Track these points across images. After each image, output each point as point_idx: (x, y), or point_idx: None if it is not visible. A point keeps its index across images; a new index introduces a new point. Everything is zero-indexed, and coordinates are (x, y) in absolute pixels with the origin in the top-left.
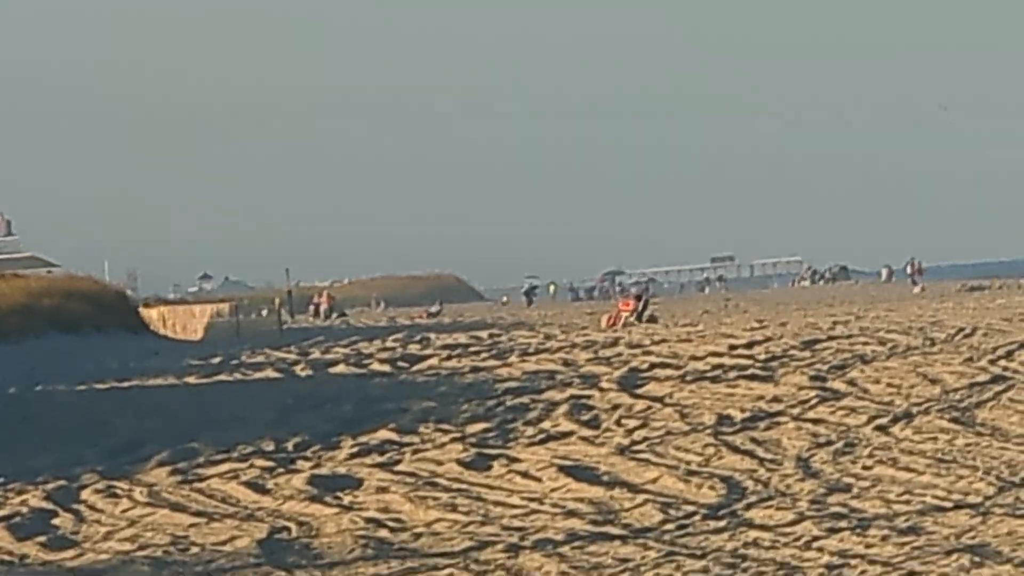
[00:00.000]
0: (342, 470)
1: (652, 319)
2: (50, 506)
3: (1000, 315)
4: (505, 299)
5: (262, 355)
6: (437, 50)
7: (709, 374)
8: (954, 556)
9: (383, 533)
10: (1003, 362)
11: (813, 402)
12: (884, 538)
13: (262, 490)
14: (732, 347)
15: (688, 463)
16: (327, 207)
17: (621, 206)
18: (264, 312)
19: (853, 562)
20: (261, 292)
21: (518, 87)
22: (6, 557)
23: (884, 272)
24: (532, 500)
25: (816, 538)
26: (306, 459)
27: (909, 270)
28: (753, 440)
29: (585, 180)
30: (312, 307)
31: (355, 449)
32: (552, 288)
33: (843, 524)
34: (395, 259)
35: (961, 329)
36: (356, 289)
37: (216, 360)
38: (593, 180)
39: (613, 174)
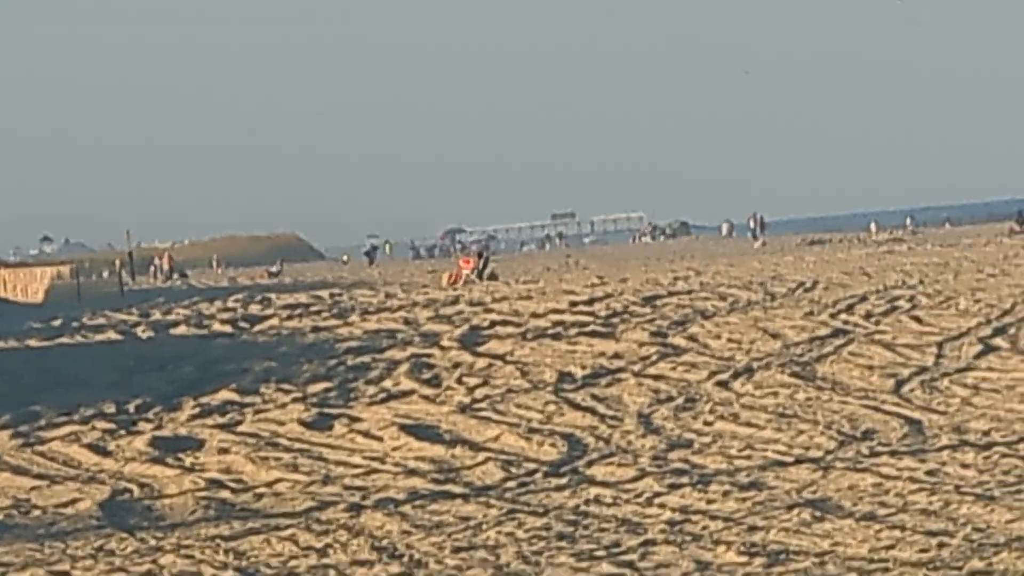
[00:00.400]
0: (183, 431)
1: (493, 276)
2: None
3: (840, 269)
4: (346, 258)
5: (103, 317)
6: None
7: (550, 331)
8: (795, 511)
9: (225, 494)
10: (843, 316)
11: (654, 358)
12: (725, 493)
13: (103, 452)
14: (573, 304)
15: (529, 421)
16: (168, 168)
17: (461, 164)
18: (105, 274)
19: (695, 518)
20: (102, 254)
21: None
22: None
23: (725, 227)
24: (374, 459)
25: (658, 494)
26: (147, 421)
27: (751, 224)
28: (594, 397)
29: (423, 140)
30: (153, 268)
31: (196, 410)
32: (388, 247)
33: (684, 480)
34: (236, 219)
35: (801, 283)
36: (197, 250)
37: (57, 322)
38: (432, 140)
39: (452, 134)
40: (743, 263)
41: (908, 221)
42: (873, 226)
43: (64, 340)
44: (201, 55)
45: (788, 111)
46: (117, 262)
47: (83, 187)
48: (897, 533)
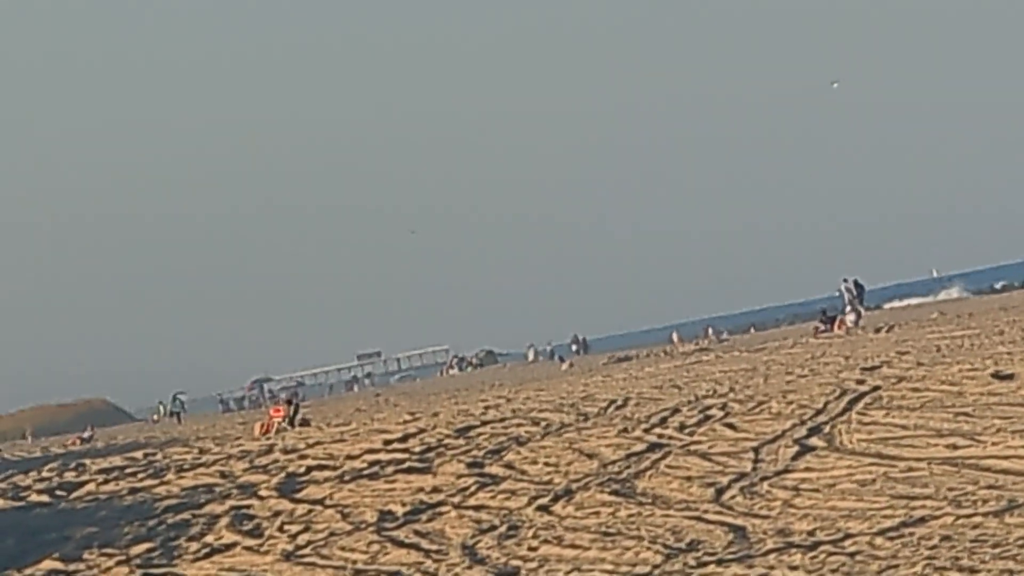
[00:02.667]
0: None
1: (304, 422)
2: None
3: (649, 384)
4: (156, 417)
5: None
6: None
7: (367, 471)
8: None
9: None
10: (657, 430)
11: (473, 489)
12: None
13: None
14: (387, 442)
15: (354, 562)
16: None
17: (263, 311)
18: None
19: None
20: None
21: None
22: None
23: (530, 353)
24: None
25: None
26: None
27: (573, 346)
28: (417, 532)
29: (225, 287)
30: None
31: None
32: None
33: None
34: (41, 389)
35: (612, 401)
36: (6, 423)
37: None
38: (232, 287)
39: (250, 280)
40: (552, 386)
41: (709, 331)
42: (675, 336)
43: None
44: None
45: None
46: None
47: None
48: None
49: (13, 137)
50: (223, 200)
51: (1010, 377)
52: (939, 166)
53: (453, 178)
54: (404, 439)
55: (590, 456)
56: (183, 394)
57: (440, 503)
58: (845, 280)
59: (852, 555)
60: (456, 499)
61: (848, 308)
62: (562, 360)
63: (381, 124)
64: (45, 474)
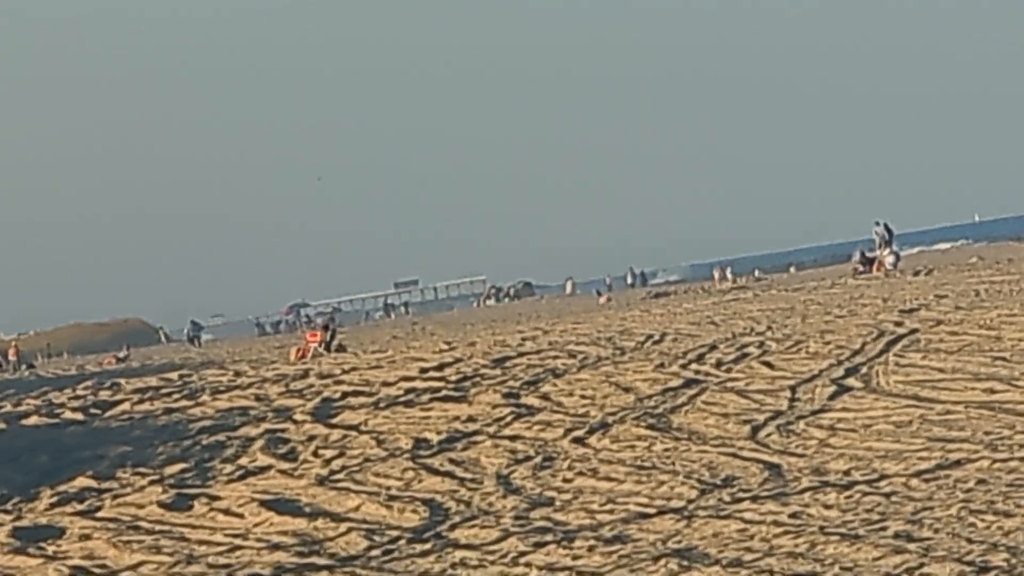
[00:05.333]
0: (43, 520)
1: (341, 348)
2: None
3: (687, 320)
4: (200, 338)
5: None
6: None
7: (402, 399)
8: (661, 561)
9: None
10: (694, 366)
11: (508, 419)
12: (591, 548)
13: None
14: (423, 370)
15: (389, 488)
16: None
17: (302, 237)
18: None
19: (561, 574)
20: None
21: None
22: None
23: (568, 285)
24: (236, 536)
25: (523, 553)
26: (6, 512)
27: (629, 279)
28: (452, 461)
29: (265, 213)
30: None
31: (55, 499)
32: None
33: (548, 538)
34: (80, 308)
35: (650, 336)
36: (43, 340)
37: None
38: (272, 213)
39: (291, 205)
40: (590, 320)
41: (725, 271)
42: (717, 273)
43: None
44: (28, 142)
45: (618, 174)
46: None
47: None
48: None
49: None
50: (266, 123)
51: None
52: (985, 113)
53: (494, 107)
54: (440, 368)
55: (626, 390)
56: (220, 316)
57: (475, 432)
58: (877, 223)
59: (887, 496)
60: (491, 429)
61: (887, 250)
62: (600, 294)
63: (419, 49)
64: (80, 392)
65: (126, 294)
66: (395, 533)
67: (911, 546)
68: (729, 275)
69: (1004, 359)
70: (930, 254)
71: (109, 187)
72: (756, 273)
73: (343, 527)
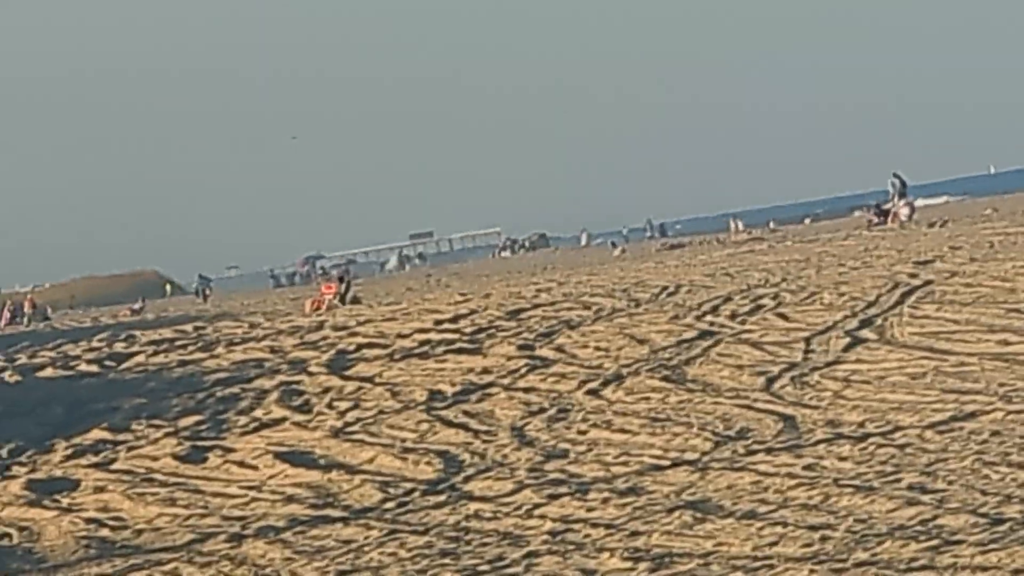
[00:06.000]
0: (58, 473)
1: (356, 300)
2: None
3: (702, 271)
4: (208, 292)
5: None
6: None
7: (417, 351)
8: (676, 513)
9: (104, 532)
10: (709, 317)
11: (523, 371)
12: (605, 500)
13: None
14: (438, 322)
15: (403, 440)
16: (22, 212)
17: (317, 188)
18: None
19: (576, 526)
20: None
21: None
22: None
23: (583, 237)
24: (250, 488)
25: (537, 505)
26: (21, 464)
27: (647, 231)
28: (466, 413)
29: (278, 164)
30: (8, 314)
31: (70, 451)
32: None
33: (563, 490)
34: (93, 259)
35: (664, 288)
36: (58, 292)
37: None
38: (286, 164)
39: (305, 157)
40: (604, 271)
41: (736, 224)
42: (733, 224)
43: None
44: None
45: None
46: None
47: None
48: (779, 529)
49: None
50: (281, 70)
51: None
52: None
53: (509, 54)
54: (455, 319)
55: (641, 341)
56: (235, 267)
57: (490, 384)
58: (895, 175)
59: (901, 447)
60: (506, 380)
61: (902, 202)
62: (614, 245)
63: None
64: (95, 344)
65: (141, 246)
66: (409, 485)
67: (925, 498)
68: (742, 226)
69: (1018, 311)
70: (937, 207)
71: (125, 138)
72: (771, 224)
73: (357, 479)
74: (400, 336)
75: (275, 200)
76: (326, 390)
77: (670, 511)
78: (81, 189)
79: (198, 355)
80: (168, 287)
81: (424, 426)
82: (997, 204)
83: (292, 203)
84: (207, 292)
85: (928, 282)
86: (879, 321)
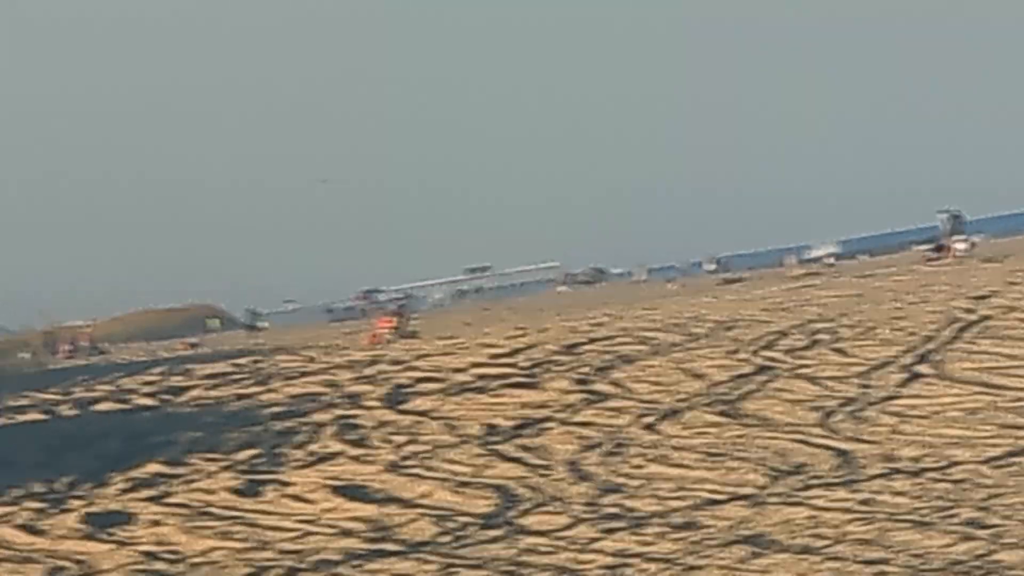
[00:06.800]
0: (114, 506)
1: (412, 334)
2: None
3: (759, 306)
4: (258, 327)
5: (25, 398)
6: None
7: (473, 385)
8: (732, 548)
9: (160, 566)
10: (765, 352)
11: (579, 406)
12: (661, 535)
13: (36, 531)
14: (494, 356)
15: (460, 475)
16: (79, 245)
17: (374, 224)
18: (24, 355)
19: (631, 561)
20: (18, 335)
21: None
22: None
23: (640, 272)
24: (306, 522)
25: (593, 540)
26: (77, 498)
27: (707, 266)
28: (522, 447)
29: (337, 199)
30: (68, 347)
31: (126, 484)
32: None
33: (619, 524)
34: (150, 293)
35: (721, 322)
36: (116, 325)
37: None
38: (344, 199)
39: (362, 191)
40: (661, 305)
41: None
42: (792, 259)
43: None
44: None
45: (702, 156)
46: (35, 342)
47: None
48: (835, 564)
49: None
50: (338, 103)
51: None
52: None
53: (566, 96)
54: (512, 353)
55: (697, 376)
56: (292, 302)
57: (546, 418)
58: (946, 210)
59: (957, 482)
60: (562, 415)
61: (955, 237)
62: (670, 281)
63: (496, 31)
64: (151, 377)
65: (198, 281)
66: (465, 519)
67: (981, 533)
68: (796, 260)
69: None
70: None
71: (182, 179)
72: (827, 260)
73: (413, 513)
74: (456, 370)
75: (332, 234)
76: (382, 424)
77: (726, 545)
78: (138, 224)
79: (254, 388)
80: (218, 322)
81: (480, 460)
82: None
83: (349, 237)
84: (257, 327)
85: (985, 317)
86: (936, 356)
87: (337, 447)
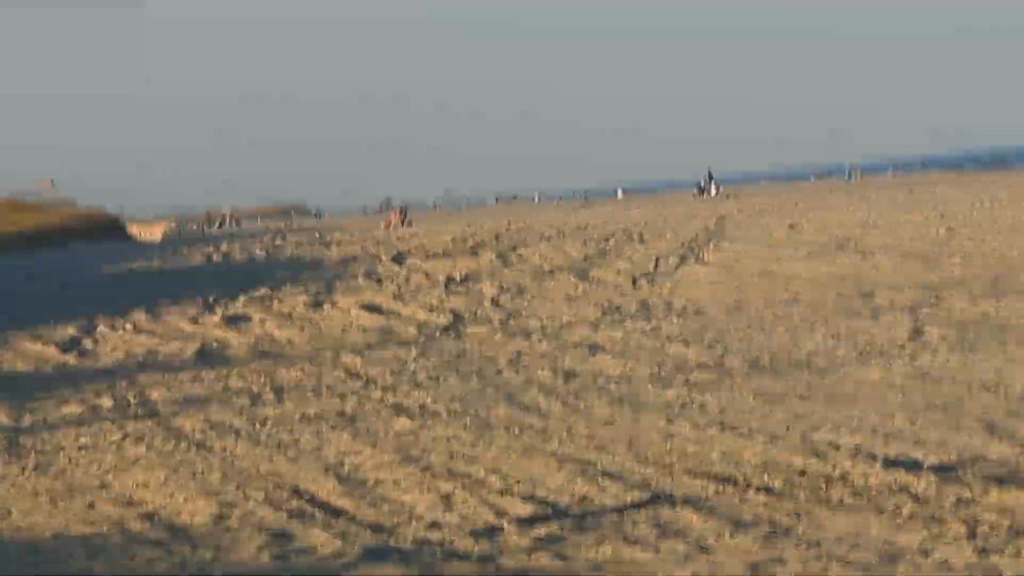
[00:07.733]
0: (240, 311)
1: (410, 224)
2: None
3: (601, 218)
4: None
5: (196, 251)
6: None
7: (440, 253)
8: (578, 349)
9: (266, 346)
10: (602, 243)
11: (498, 267)
12: (540, 341)
13: (196, 322)
14: (453, 239)
15: (431, 303)
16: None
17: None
18: (193, 225)
19: (525, 356)
20: (189, 215)
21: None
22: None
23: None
24: (346, 324)
25: (504, 343)
26: (219, 306)
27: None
28: (466, 290)
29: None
30: (219, 222)
31: (247, 299)
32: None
33: (518, 334)
34: (248, 190)
35: (580, 226)
36: (243, 212)
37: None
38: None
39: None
40: (550, 216)
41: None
42: (620, 192)
43: (171, 265)
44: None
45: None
46: (209, 219)
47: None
48: (634, 358)
49: None
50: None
51: None
52: None
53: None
54: (464, 238)
55: (565, 254)
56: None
57: (479, 274)
58: (708, 169)
59: (703, 320)
60: (489, 273)
61: (713, 184)
62: (580, 201)
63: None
64: (265, 240)
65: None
66: (434, 327)
67: (717, 346)
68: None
69: (773, 245)
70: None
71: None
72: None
73: (406, 324)
74: (432, 244)
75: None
76: (390, 272)
77: (575, 347)
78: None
79: (321, 249)
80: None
81: (443, 295)
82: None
83: (376, 163)
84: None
85: (722, 229)
86: (696, 249)
87: (364, 284)
